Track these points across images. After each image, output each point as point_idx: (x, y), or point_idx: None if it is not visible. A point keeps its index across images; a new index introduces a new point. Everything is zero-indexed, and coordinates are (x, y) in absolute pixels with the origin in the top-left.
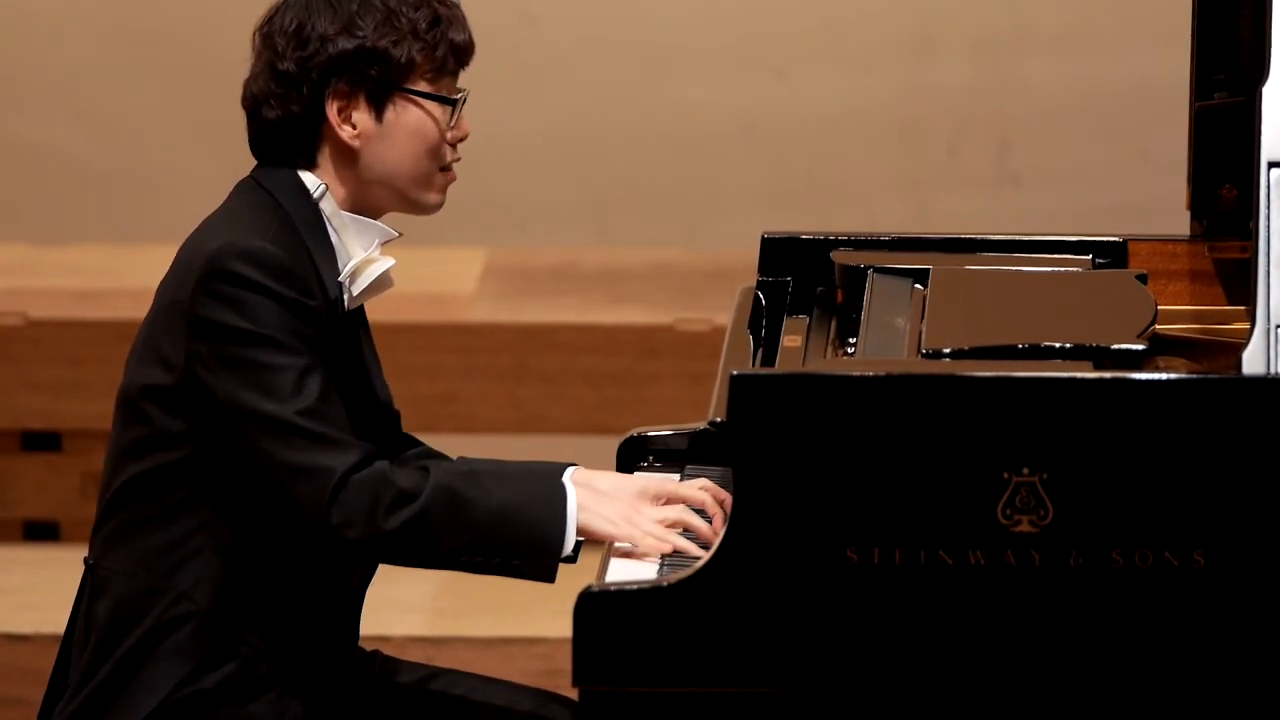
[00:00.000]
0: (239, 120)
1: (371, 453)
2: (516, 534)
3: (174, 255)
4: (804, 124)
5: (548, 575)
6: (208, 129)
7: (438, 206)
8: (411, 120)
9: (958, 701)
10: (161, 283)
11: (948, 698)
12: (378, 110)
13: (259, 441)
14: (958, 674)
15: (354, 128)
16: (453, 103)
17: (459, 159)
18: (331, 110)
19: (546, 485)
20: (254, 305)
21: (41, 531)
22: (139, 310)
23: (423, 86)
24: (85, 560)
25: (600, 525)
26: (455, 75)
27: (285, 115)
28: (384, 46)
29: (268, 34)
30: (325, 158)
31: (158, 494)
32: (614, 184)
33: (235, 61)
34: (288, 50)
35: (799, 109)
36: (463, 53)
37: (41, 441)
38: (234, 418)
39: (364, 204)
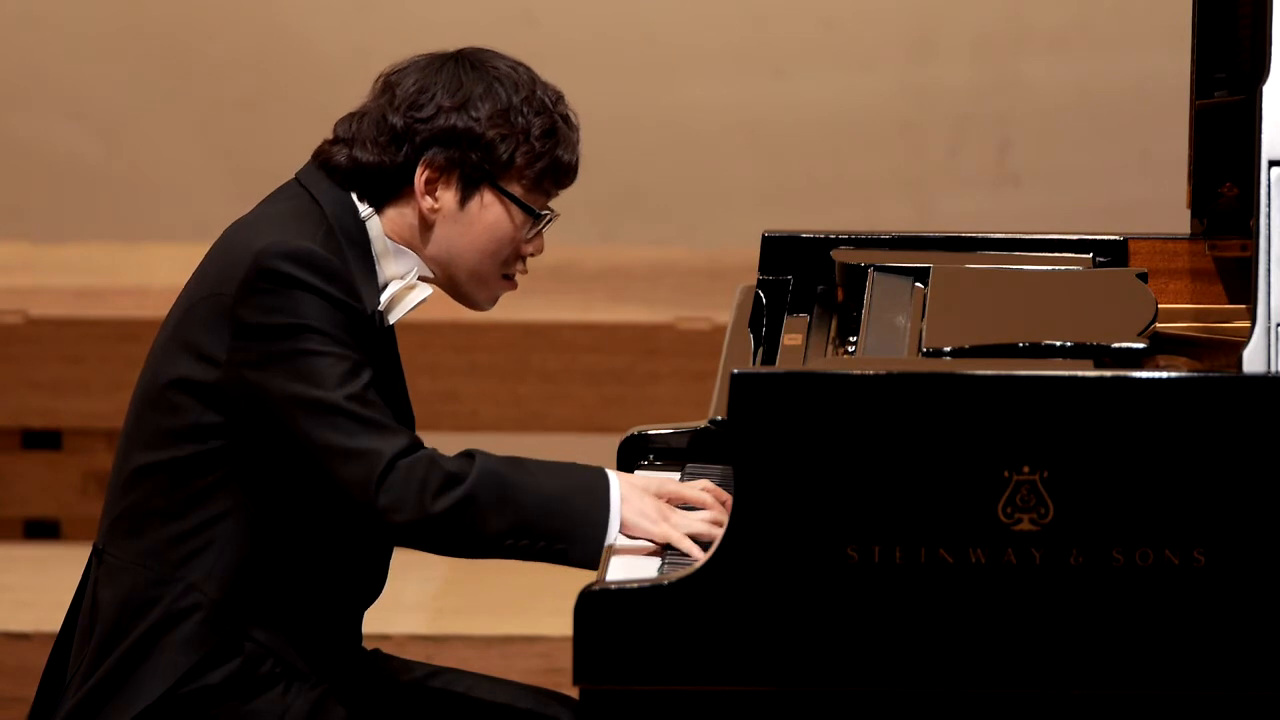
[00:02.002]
0: (239, 120)
1: (417, 439)
2: (563, 519)
3: (175, 253)
4: (804, 124)
5: (592, 561)
6: (208, 129)
7: (483, 308)
8: (491, 217)
9: (959, 700)
10: (197, 274)
11: (949, 696)
12: (464, 195)
13: (306, 426)
14: (958, 673)
15: (435, 201)
16: (538, 216)
17: (524, 272)
18: (420, 177)
19: (590, 473)
20: (301, 301)
21: (42, 530)
22: (139, 309)
23: (515, 190)
24: (94, 546)
25: (640, 522)
26: (550, 193)
27: (376, 163)
28: (491, 137)
29: (391, 83)
30: (395, 211)
31: (173, 485)
32: (615, 183)
33: (235, 62)
34: (402, 106)
35: (799, 109)
36: (564, 173)
37: (42, 440)
38: (283, 408)
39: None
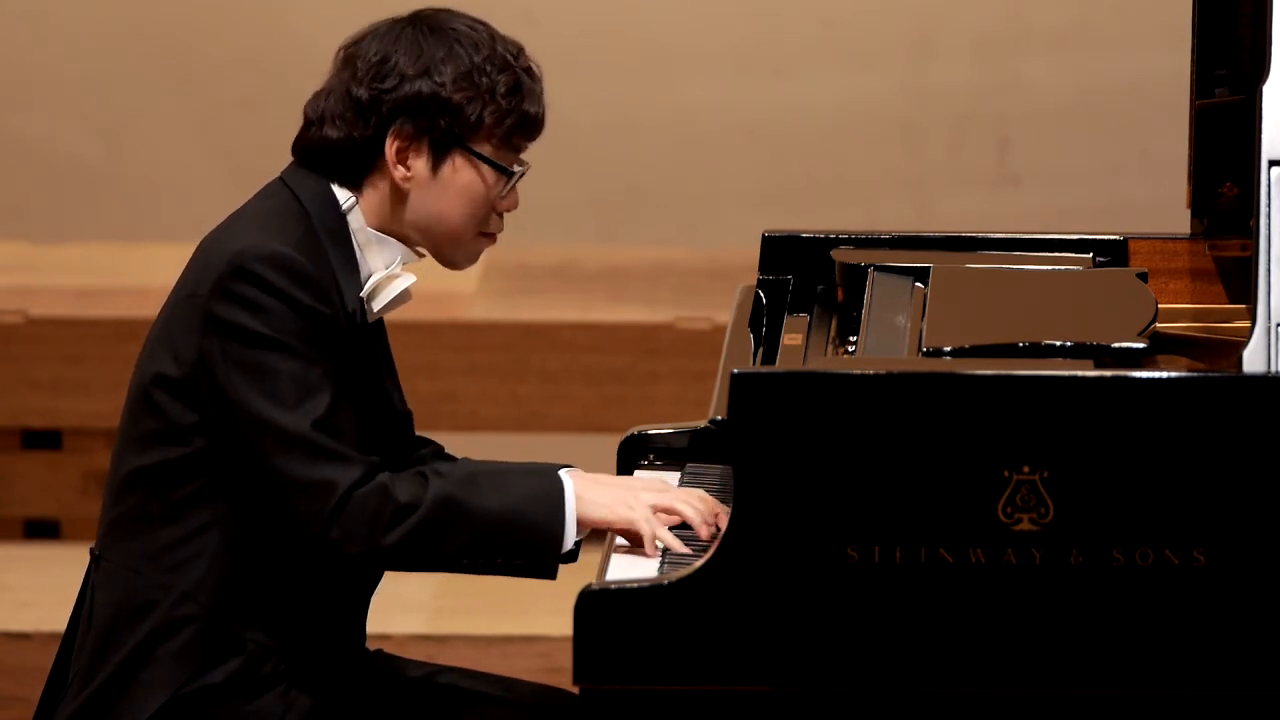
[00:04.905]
0: (239, 120)
1: (374, 465)
2: (517, 534)
3: (175, 253)
4: (804, 124)
5: (549, 572)
6: (208, 129)
7: (462, 268)
8: (464, 180)
9: (959, 700)
10: (180, 276)
11: (949, 696)
12: (435, 160)
13: (265, 449)
14: (959, 673)
15: (408, 170)
16: (510, 174)
17: (501, 229)
18: (391, 148)
19: (544, 482)
20: (270, 309)
21: (42, 530)
22: (139, 309)
23: (485, 150)
24: (91, 551)
25: (596, 512)
26: (519, 147)
27: (346, 139)
28: (458, 100)
29: (351, 56)
30: (371, 187)
31: (164, 489)
32: (615, 183)
33: (235, 62)
34: (365, 78)
35: (799, 109)
36: (532, 126)
37: (42, 440)
38: (243, 421)
39: (395, 236)
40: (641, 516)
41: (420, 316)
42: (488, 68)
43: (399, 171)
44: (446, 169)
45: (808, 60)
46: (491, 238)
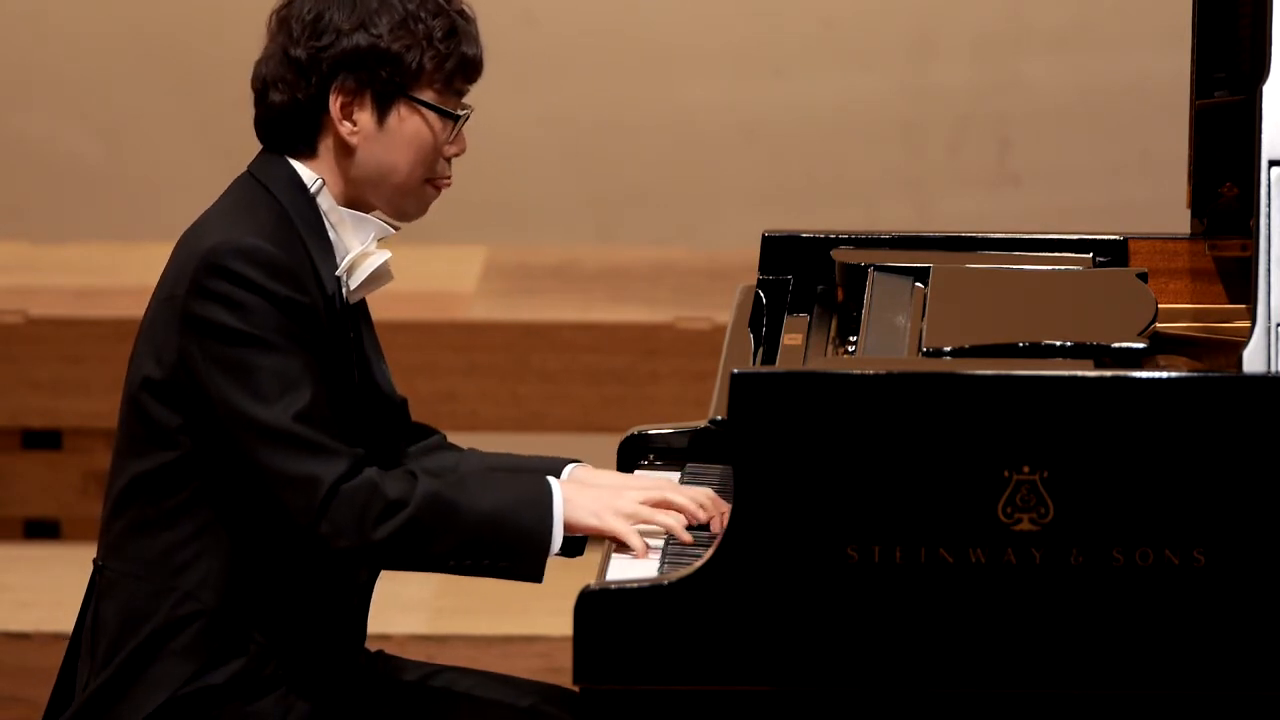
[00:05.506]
0: (239, 120)
1: (359, 458)
2: (503, 536)
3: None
4: (804, 124)
5: (534, 575)
6: (208, 129)
7: (414, 218)
8: (411, 128)
9: (959, 700)
10: (160, 277)
11: (949, 696)
12: (381, 112)
13: (249, 445)
14: (959, 673)
15: (354, 125)
16: (455, 118)
17: (449, 177)
18: (335, 104)
19: (533, 484)
20: (247, 304)
21: (42, 530)
22: (139, 309)
23: (429, 96)
24: (94, 561)
25: (582, 518)
26: (462, 91)
27: (290, 101)
28: (397, 50)
29: (284, 18)
30: (325, 149)
31: (159, 496)
32: (615, 182)
33: (235, 62)
34: (302, 38)
35: (799, 109)
36: (472, 68)
37: (42, 440)
38: (226, 419)
39: (357, 200)
40: (626, 526)
41: (420, 316)
42: (422, 14)
43: (345, 127)
44: (392, 119)
45: (808, 60)
46: (438, 190)
